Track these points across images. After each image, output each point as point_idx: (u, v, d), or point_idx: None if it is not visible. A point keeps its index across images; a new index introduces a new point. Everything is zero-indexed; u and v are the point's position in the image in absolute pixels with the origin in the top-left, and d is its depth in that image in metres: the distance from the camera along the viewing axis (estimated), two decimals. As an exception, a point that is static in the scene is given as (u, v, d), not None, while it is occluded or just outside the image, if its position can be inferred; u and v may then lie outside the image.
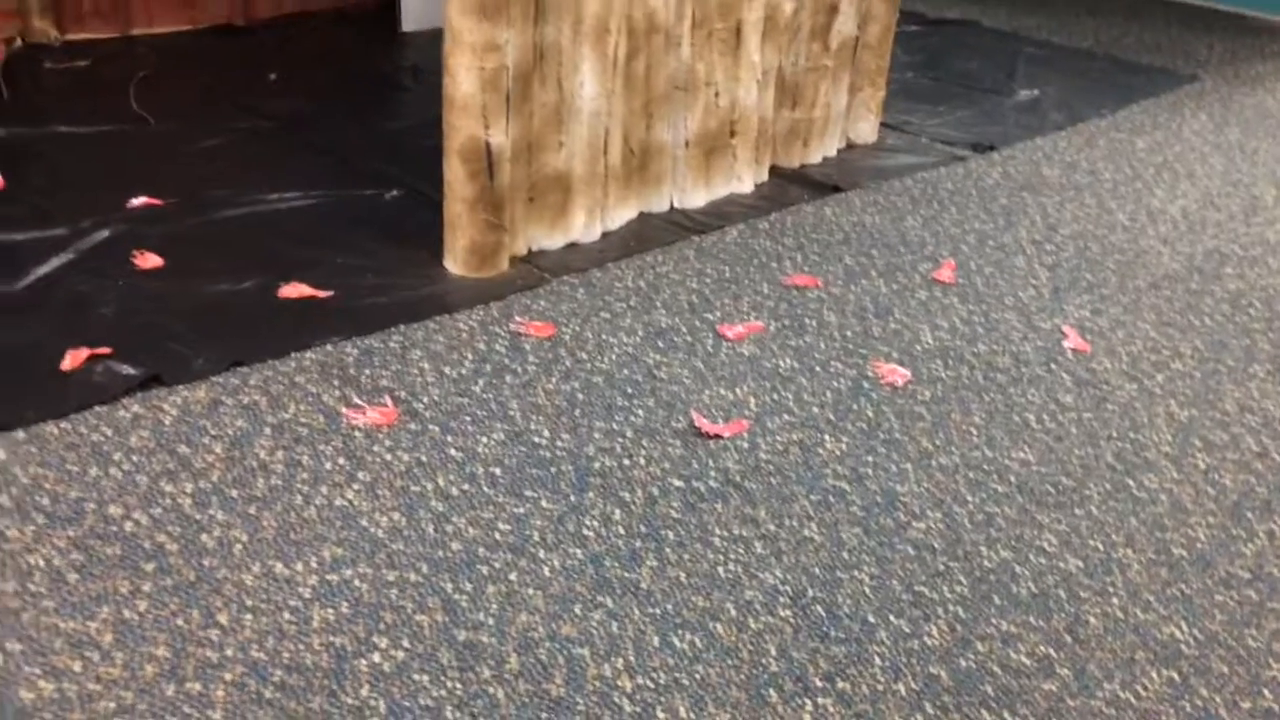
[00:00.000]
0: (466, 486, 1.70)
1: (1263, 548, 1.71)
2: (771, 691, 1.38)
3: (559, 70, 2.31)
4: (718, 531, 1.65)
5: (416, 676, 1.35)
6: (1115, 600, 1.58)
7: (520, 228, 2.40)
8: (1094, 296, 2.44)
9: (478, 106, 2.18)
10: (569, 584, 1.52)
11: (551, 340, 2.11)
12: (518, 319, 2.16)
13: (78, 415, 1.75)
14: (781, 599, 1.53)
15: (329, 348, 2.02)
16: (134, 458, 1.68)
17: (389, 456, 1.75)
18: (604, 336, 2.14)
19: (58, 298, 2.08)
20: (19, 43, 3.44)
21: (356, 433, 1.79)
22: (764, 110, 2.83)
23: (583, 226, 2.50)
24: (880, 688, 1.40)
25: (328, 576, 1.49)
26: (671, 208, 2.73)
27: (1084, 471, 1.85)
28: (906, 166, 3.11)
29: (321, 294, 2.19)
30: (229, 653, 1.36)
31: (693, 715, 1.34)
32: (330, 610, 1.44)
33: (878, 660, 1.44)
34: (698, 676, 1.39)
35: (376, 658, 1.37)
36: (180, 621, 1.39)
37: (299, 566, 1.51)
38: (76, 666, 1.31)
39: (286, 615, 1.42)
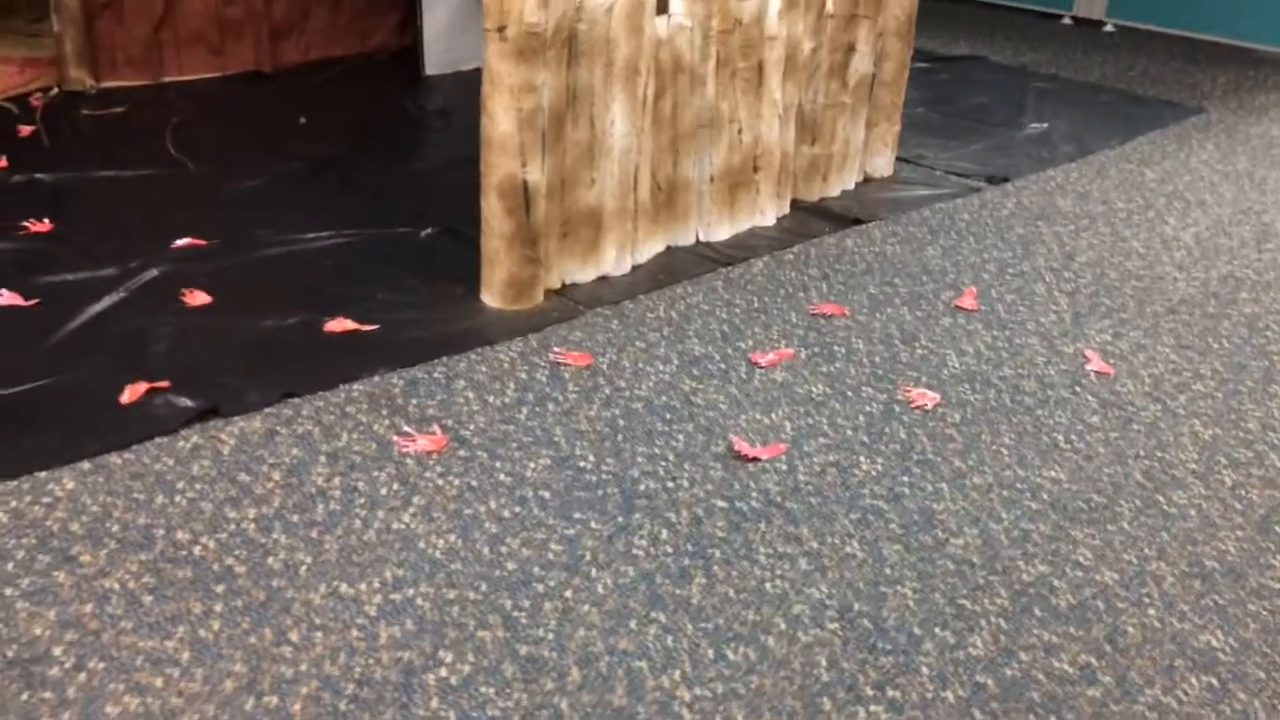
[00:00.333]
0: (517, 509, 1.75)
1: (1292, 560, 1.76)
2: (825, 700, 1.43)
3: (591, 110, 2.39)
4: (762, 549, 1.70)
5: (483, 689, 1.40)
6: (1152, 611, 1.63)
7: (554, 262, 2.47)
8: (1114, 321, 2.50)
9: (515, 145, 2.26)
10: (623, 601, 1.58)
11: (590, 369, 2.17)
12: (556, 349, 2.23)
13: (140, 446, 1.82)
14: (829, 613, 1.58)
15: (376, 379, 2.08)
16: (197, 486, 1.74)
17: (441, 482, 1.80)
18: (640, 365, 2.20)
19: (112, 334, 2.16)
20: (55, 91, 3.55)
21: (408, 459, 1.85)
22: (785, 146, 2.91)
23: (614, 260, 2.58)
24: (929, 695, 1.45)
25: (391, 596, 1.55)
26: (697, 241, 2.80)
27: (1114, 489, 1.91)
28: (923, 198, 3.18)
29: (365, 328, 2.26)
30: (303, 668, 1.41)
31: (750, 724, 1.39)
32: (396, 627, 1.49)
33: (925, 670, 1.49)
34: (753, 686, 1.44)
35: (443, 672, 1.42)
36: (253, 640, 1.45)
37: (363, 586, 1.56)
38: (158, 683, 1.37)
39: (355, 633, 1.47)
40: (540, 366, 2.17)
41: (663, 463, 1.90)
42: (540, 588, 1.59)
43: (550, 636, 1.50)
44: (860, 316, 2.46)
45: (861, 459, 1.94)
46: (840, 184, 3.19)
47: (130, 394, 1.94)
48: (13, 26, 4.26)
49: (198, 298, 2.31)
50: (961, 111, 4.06)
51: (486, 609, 1.54)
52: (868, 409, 2.10)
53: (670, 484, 1.84)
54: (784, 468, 1.91)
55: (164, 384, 1.96)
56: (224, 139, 3.29)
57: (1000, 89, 4.40)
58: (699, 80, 2.63)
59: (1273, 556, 1.76)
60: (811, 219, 3.00)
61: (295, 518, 1.69)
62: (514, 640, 1.49)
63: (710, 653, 1.49)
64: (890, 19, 3.11)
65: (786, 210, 3.01)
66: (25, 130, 3.20)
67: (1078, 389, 2.21)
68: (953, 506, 1.83)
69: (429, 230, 2.75)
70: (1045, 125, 3.93)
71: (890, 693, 1.45)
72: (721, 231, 2.83)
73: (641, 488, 1.83)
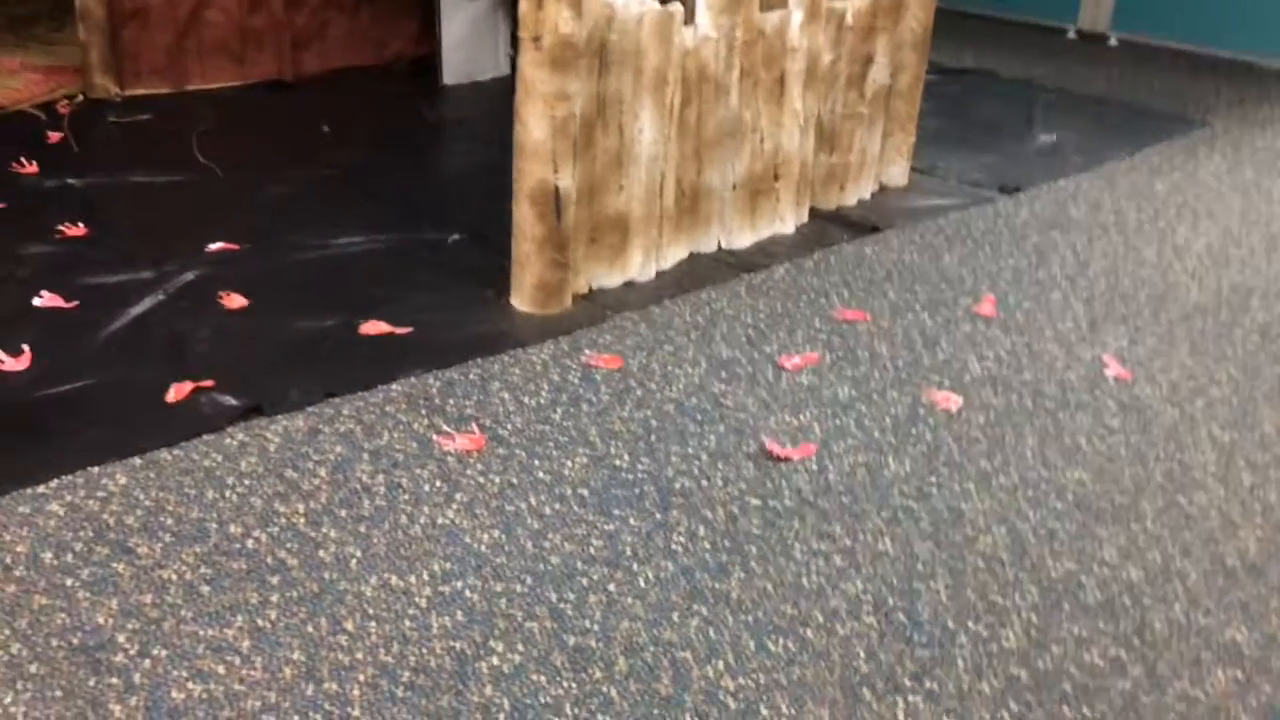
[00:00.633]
0: (558, 506, 1.80)
1: (1311, 558, 1.81)
2: (865, 690, 1.47)
3: (620, 118, 2.45)
4: (797, 546, 1.75)
5: (534, 677, 1.44)
6: (1177, 606, 1.67)
7: (582, 266, 2.52)
8: (1129, 328, 2.55)
9: (548, 152, 2.31)
10: (664, 594, 1.62)
11: (621, 372, 2.22)
12: (587, 352, 2.27)
13: (188, 443, 1.86)
14: (865, 607, 1.62)
15: (413, 380, 2.12)
16: (246, 481, 1.78)
17: (482, 479, 1.85)
18: (670, 368, 2.25)
19: (154, 335, 2.20)
20: (81, 98, 3.59)
21: (449, 457, 1.90)
22: (805, 155, 2.97)
23: (639, 265, 2.63)
24: (965, 687, 1.49)
25: (440, 588, 1.59)
26: (719, 247, 2.85)
27: (1136, 489, 1.95)
28: (938, 207, 3.24)
29: (400, 331, 2.30)
30: (359, 656, 1.45)
31: (794, 711, 1.43)
32: (447, 618, 1.53)
33: (960, 662, 1.53)
34: (794, 677, 1.48)
35: (495, 660, 1.46)
36: (310, 629, 1.49)
37: (412, 579, 1.60)
38: (220, 669, 1.41)
39: (407, 623, 1.52)
40: (572, 369, 2.22)
41: (696, 462, 1.94)
42: (584, 581, 1.63)
43: (596, 628, 1.54)
44: (882, 322, 2.51)
45: (890, 459, 1.99)
46: (857, 193, 3.25)
47: (176, 392, 1.98)
48: (35, 34, 4.31)
49: (235, 300, 2.36)
50: (972, 123, 4.12)
51: (533, 601, 1.58)
52: (893, 411, 2.15)
53: (705, 482, 1.89)
54: (814, 467, 1.95)
55: (209, 383, 2.01)
56: (250, 146, 3.34)
57: (1009, 101, 4.46)
58: (723, 90, 2.68)
59: (1293, 555, 1.81)
60: (830, 227, 3.05)
61: (343, 512, 1.73)
62: (561, 631, 1.53)
63: (751, 644, 1.53)
64: (906, 31, 3.16)
65: (805, 218, 3.06)
66: (54, 136, 3.25)
67: (1097, 393, 2.26)
68: (980, 506, 1.88)
69: (456, 236, 2.80)
70: (1054, 137, 3.98)
71: (928, 684, 1.49)
72: (743, 238, 2.88)
73: (677, 486, 1.87)
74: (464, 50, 4.15)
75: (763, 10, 2.69)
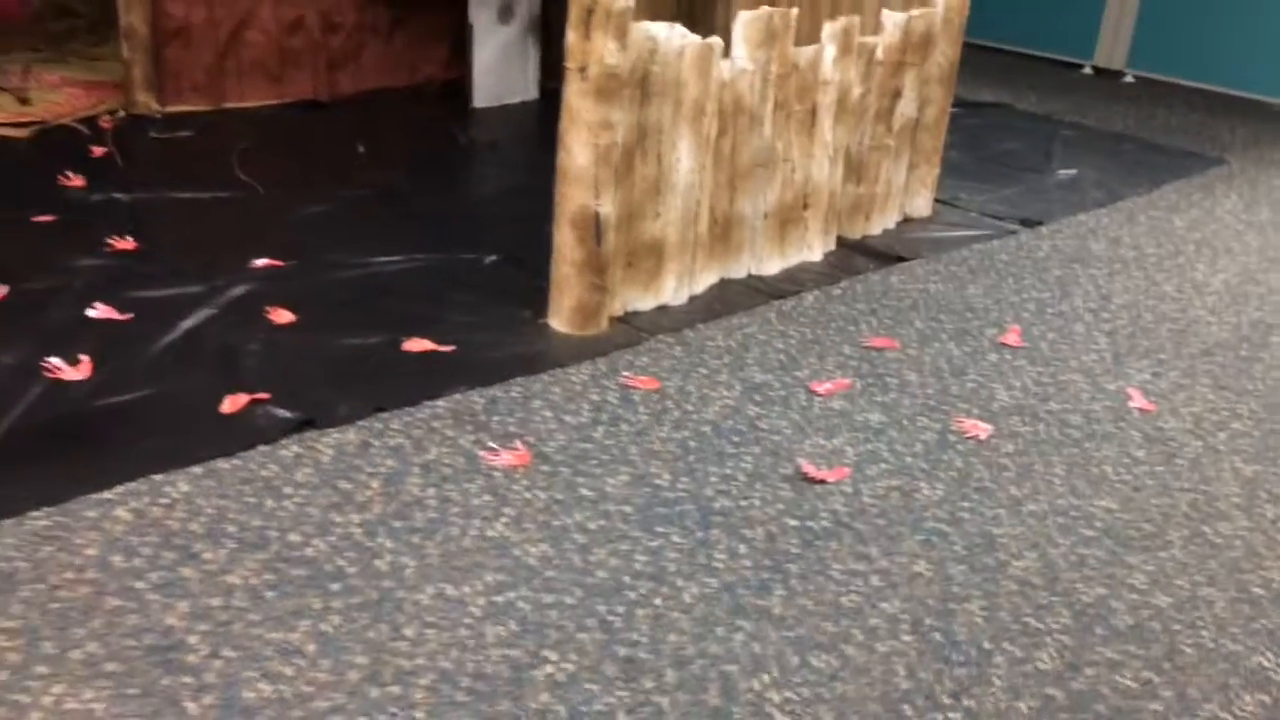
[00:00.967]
0: (602, 522, 1.85)
1: (1333, 589, 1.86)
2: (905, 707, 1.52)
3: (659, 147, 2.52)
4: (835, 566, 1.80)
5: (588, 686, 1.49)
6: (1205, 633, 1.72)
7: (618, 290, 2.59)
8: (1152, 361, 2.61)
9: (590, 179, 2.38)
10: (709, 609, 1.67)
11: (658, 393, 2.28)
12: (624, 373, 2.33)
13: (245, 453, 1.92)
14: (903, 626, 1.68)
15: (457, 396, 2.18)
16: (302, 492, 1.84)
17: (528, 495, 1.90)
18: (705, 391, 2.31)
19: (206, 348, 2.26)
20: (122, 114, 3.67)
21: (496, 473, 1.95)
22: (833, 185, 3.04)
23: (673, 290, 2.69)
24: (1003, 706, 1.54)
25: (493, 598, 1.64)
26: (749, 274, 2.92)
27: (1163, 519, 2.01)
28: (961, 239, 3.31)
29: (442, 348, 2.36)
30: (420, 661, 1.50)
31: (838, 725, 1.48)
32: (501, 628, 1.58)
33: (997, 681, 1.58)
34: (838, 692, 1.53)
35: (549, 669, 1.52)
36: (371, 634, 1.54)
37: (466, 589, 1.66)
38: (288, 671, 1.46)
39: (463, 631, 1.57)
40: (611, 389, 2.28)
41: (734, 482, 2.00)
42: (631, 595, 1.69)
43: (645, 640, 1.59)
44: (910, 350, 2.57)
45: (922, 484, 2.05)
46: (882, 223, 3.32)
47: (231, 404, 2.04)
48: (74, 49, 4.40)
49: (282, 315, 2.42)
50: (992, 156, 4.19)
51: (583, 613, 1.64)
52: (924, 437, 2.21)
53: (743, 502, 1.95)
54: (849, 490, 2.01)
55: (264, 396, 2.07)
56: (287, 164, 3.41)
57: (1028, 135, 4.54)
58: (757, 121, 2.75)
59: (1315, 585, 1.86)
60: (856, 256, 3.12)
61: (397, 524, 1.79)
62: (611, 642, 1.58)
63: (795, 659, 1.59)
64: (934, 66, 3.24)
65: (832, 246, 3.13)
66: (98, 151, 3.32)
67: (1122, 424, 2.32)
68: (1012, 531, 1.93)
69: (492, 257, 2.87)
70: (1074, 172, 4.06)
71: (966, 702, 1.54)
72: (772, 265, 2.95)
73: (716, 505, 1.93)
74: (494, 74, 4.24)
75: (797, 45, 2.77)
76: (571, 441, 2.07)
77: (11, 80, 3.85)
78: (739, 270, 2.91)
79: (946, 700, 1.54)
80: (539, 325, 2.52)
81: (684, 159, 2.57)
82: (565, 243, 2.45)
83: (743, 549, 1.82)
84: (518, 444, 2.04)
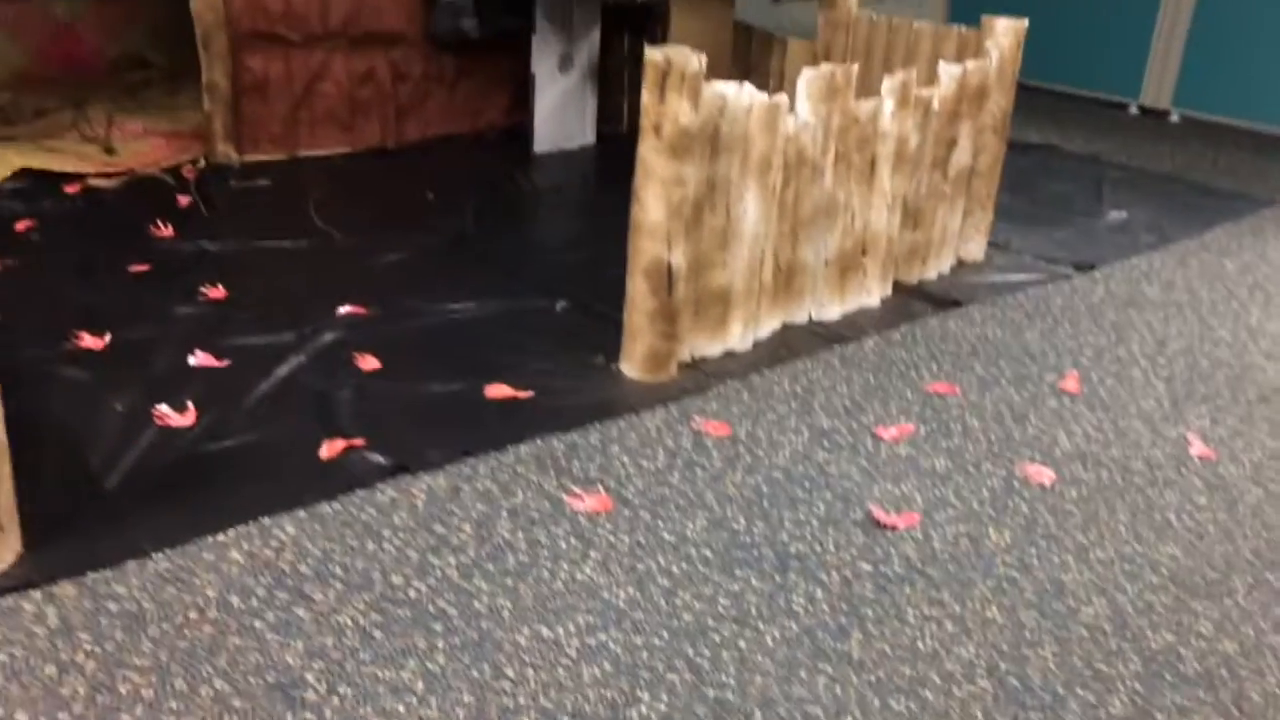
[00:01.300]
0: (685, 565, 1.94)
1: (1398, 637, 1.90)
2: (984, 748, 1.59)
3: (728, 199, 2.62)
4: (910, 611, 1.87)
5: (681, 726, 1.58)
6: (1271, 679, 1.78)
7: (686, 337, 2.68)
8: (1210, 407, 2.67)
9: (663, 232, 2.48)
10: (791, 652, 1.75)
11: (730, 439, 2.37)
12: (696, 419, 2.42)
13: (345, 496, 2.03)
14: (978, 670, 1.74)
15: (539, 442, 2.28)
16: (400, 535, 1.94)
17: (612, 538, 2.00)
18: (775, 436, 2.39)
19: (301, 394, 2.38)
20: (203, 163, 3.84)
21: (580, 517, 2.05)
22: (891, 231, 3.12)
23: (739, 336, 2.78)
24: (1078, 748, 1.60)
25: (587, 640, 1.73)
26: (810, 319, 3.01)
27: (1227, 566, 2.06)
28: (1016, 283, 3.37)
29: (522, 394, 2.47)
30: (521, 700, 1.59)
31: (920, 766, 1.55)
32: (596, 668, 1.67)
33: (1071, 724, 1.65)
34: (919, 733, 1.61)
35: (644, 709, 1.60)
36: (475, 673, 1.63)
37: (560, 630, 1.75)
38: (400, 709, 1.56)
39: (560, 671, 1.66)
40: (684, 434, 2.37)
41: (808, 527, 2.08)
42: (716, 637, 1.77)
43: (732, 682, 1.67)
44: (971, 396, 2.65)
45: (990, 530, 2.12)
46: (937, 267, 3.39)
47: (329, 449, 2.15)
48: (151, 99, 4.59)
49: (369, 362, 2.54)
50: (1042, 198, 4.26)
51: (671, 654, 1.72)
52: (990, 483, 2.27)
53: (818, 548, 2.02)
54: (920, 536, 2.08)
55: (359, 441, 2.18)
56: (361, 212, 3.55)
57: (1076, 177, 4.60)
58: (819, 172, 2.85)
59: (1380, 633, 1.91)
60: (913, 300, 3.20)
61: (490, 566, 1.88)
62: (700, 684, 1.66)
63: (876, 702, 1.66)
64: (988, 116, 3.33)
65: (889, 291, 3.21)
66: (183, 200, 3.48)
67: (1183, 470, 2.38)
68: (1080, 578, 1.99)
69: (562, 303, 2.98)
70: (1125, 214, 4.12)
71: (1042, 743, 1.61)
72: (832, 311, 3.03)
73: (792, 550, 2.01)
74: (554, 121, 4.37)
75: (858, 99, 2.86)
76: (650, 486, 2.17)
77: (96, 131, 4.04)
78: (801, 315, 2.99)
79: (1023, 743, 1.61)
80: (611, 371, 2.62)
81: (750, 210, 2.67)
82: (638, 292, 2.55)
83: (820, 593, 1.90)
84: (599, 488, 2.13)
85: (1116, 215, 4.10)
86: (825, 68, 2.75)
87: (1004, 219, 3.86)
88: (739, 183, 2.63)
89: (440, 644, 1.69)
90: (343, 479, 2.08)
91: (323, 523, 1.95)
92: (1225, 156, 5.10)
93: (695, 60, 2.36)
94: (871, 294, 3.14)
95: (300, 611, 1.73)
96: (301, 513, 1.97)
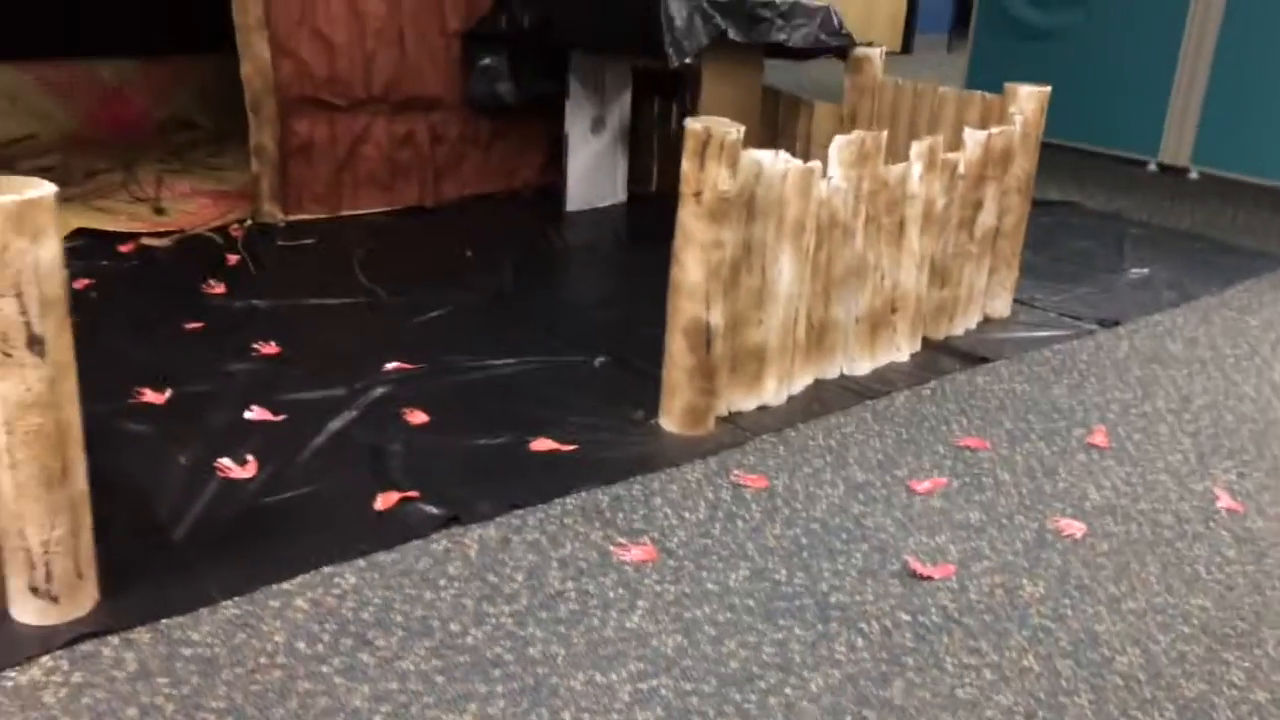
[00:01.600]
0: (729, 614, 2.01)
1: None
2: (1026, 793, 1.64)
3: (763, 260, 2.72)
4: (949, 659, 1.93)
5: (733, 769, 1.64)
6: (1305, 728, 1.83)
7: (723, 392, 2.77)
8: (1236, 462, 2.72)
9: (702, 293, 2.58)
10: (835, 699, 1.81)
11: (767, 491, 2.44)
12: (735, 472, 2.50)
13: (401, 547, 2.11)
14: (1017, 718, 1.80)
15: (584, 494, 2.36)
16: (455, 584, 2.02)
17: (658, 588, 2.07)
18: (811, 489, 2.47)
19: (354, 448, 2.47)
20: (249, 222, 3.97)
21: (627, 567, 2.12)
22: (919, 290, 3.21)
23: (773, 391, 2.87)
24: (1117, 794, 1.65)
25: (639, 685, 1.80)
26: (841, 374, 3.09)
27: (1256, 617, 2.11)
28: (1041, 340, 3.45)
29: (565, 448, 2.55)
30: (580, 744, 1.66)
31: (964, 810, 1.60)
32: (649, 713, 1.74)
33: (1109, 771, 1.70)
34: (961, 779, 1.66)
35: (696, 753, 1.67)
36: (534, 718, 1.70)
37: (613, 676, 1.81)
38: (464, 751, 1.63)
39: (615, 716, 1.72)
40: (723, 487, 2.44)
41: (847, 578, 2.15)
42: (763, 684, 1.83)
43: (779, 727, 1.74)
44: (1002, 450, 2.71)
45: (1024, 581, 2.18)
46: (964, 323, 3.48)
47: (383, 501, 2.24)
48: (197, 159, 4.75)
49: (417, 416, 2.63)
50: (1064, 255, 4.35)
51: (721, 701, 1.78)
52: (1023, 536, 2.34)
53: (857, 598, 2.09)
54: (955, 587, 2.14)
55: (413, 494, 2.26)
56: (403, 269, 3.67)
57: (1097, 234, 4.69)
58: (850, 234, 2.95)
59: None
60: (941, 356, 3.28)
61: (543, 614, 1.96)
62: (749, 729, 1.73)
63: (919, 747, 1.72)
64: (1013, 178, 3.43)
65: (918, 347, 3.29)
66: (232, 259, 3.61)
67: (1211, 524, 2.43)
68: (1113, 628, 2.05)
69: (600, 358, 3.07)
70: (1146, 271, 4.20)
71: (1082, 789, 1.66)
72: (863, 366, 3.12)
73: (832, 600, 2.08)
74: (586, 181, 4.51)
75: (887, 163, 2.97)
76: (692, 537, 2.24)
77: (146, 191, 4.19)
78: (832, 371, 3.08)
79: (1063, 789, 1.66)
80: (650, 425, 2.70)
81: (785, 271, 2.77)
82: (677, 350, 2.64)
83: (861, 642, 1.96)
84: (644, 539, 2.21)
85: (1138, 272, 4.19)
86: (856, 134, 2.86)
87: (1028, 276, 3.95)
88: (774, 245, 2.73)
89: (499, 689, 1.76)
90: (398, 530, 2.16)
91: (381, 572, 2.03)
92: (1244, 213, 5.19)
93: (734, 130, 2.47)
94: (901, 350, 3.22)
95: (365, 657, 1.81)
96: (360, 562, 2.05)
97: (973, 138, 3.23)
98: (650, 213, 4.57)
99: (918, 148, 3.05)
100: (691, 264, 2.57)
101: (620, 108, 4.55)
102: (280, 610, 1.90)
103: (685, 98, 4.62)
